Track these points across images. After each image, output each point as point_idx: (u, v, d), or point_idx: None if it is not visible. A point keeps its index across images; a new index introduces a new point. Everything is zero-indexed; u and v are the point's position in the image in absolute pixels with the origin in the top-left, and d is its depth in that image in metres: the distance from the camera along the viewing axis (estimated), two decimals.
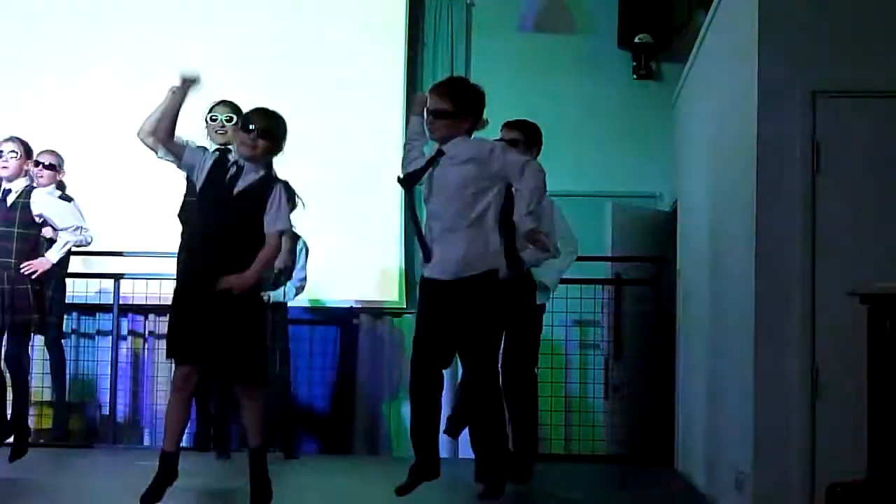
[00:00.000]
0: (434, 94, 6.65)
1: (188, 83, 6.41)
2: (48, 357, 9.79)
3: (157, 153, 6.85)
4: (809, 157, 6.33)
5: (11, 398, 8.11)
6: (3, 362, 8.11)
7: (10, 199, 8.08)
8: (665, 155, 10.95)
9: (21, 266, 7.96)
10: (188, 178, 7.18)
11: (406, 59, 11.19)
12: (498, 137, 7.82)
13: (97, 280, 10.52)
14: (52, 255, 8.23)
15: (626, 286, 10.62)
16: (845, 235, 6.30)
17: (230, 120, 8.26)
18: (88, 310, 11.02)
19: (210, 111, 8.41)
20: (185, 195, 8.35)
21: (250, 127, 6.43)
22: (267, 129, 6.45)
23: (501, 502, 7.04)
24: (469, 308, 6.45)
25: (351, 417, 10.81)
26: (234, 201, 6.39)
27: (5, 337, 8.07)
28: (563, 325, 10.55)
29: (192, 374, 6.41)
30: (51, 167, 9.46)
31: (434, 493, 6.80)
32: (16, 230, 8.01)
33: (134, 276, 10.80)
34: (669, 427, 10.18)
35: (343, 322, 10.88)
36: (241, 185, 6.42)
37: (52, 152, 9.53)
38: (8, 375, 8.06)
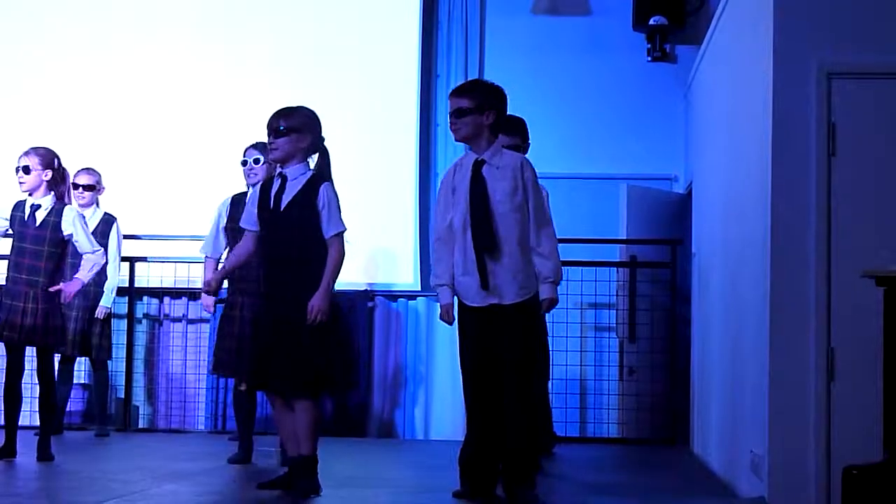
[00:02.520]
0: (453, 96, 6.50)
1: None
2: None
3: None
4: (825, 138, 6.31)
5: (39, 411, 8.14)
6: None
7: (40, 217, 7.94)
8: (680, 137, 10.95)
9: (51, 289, 7.90)
10: None
11: (421, 42, 11.17)
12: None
13: None
14: (84, 276, 8.12)
15: (640, 268, 10.61)
16: (861, 217, 6.28)
17: (257, 162, 8.15)
18: None
19: (243, 154, 8.25)
20: None
21: (269, 135, 6.49)
22: (283, 126, 6.46)
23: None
24: (521, 329, 6.32)
25: (366, 400, 10.81)
26: (283, 215, 6.43)
27: (35, 355, 8.07)
28: (578, 308, 10.56)
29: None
30: (89, 188, 9.62)
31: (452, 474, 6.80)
32: (46, 248, 7.88)
33: (149, 260, 10.84)
34: (685, 409, 10.19)
35: (358, 304, 10.87)
36: (286, 198, 6.45)
37: (89, 171, 9.64)
38: (39, 391, 8.07)
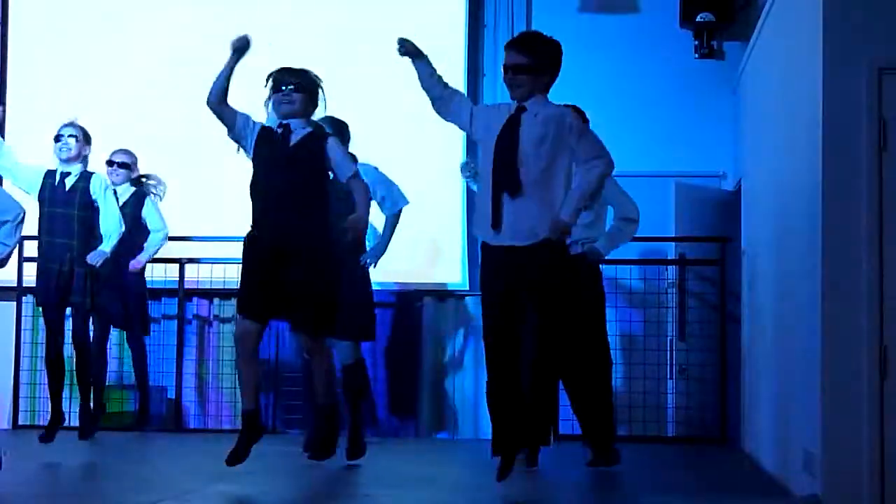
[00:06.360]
0: (512, 49, 6.57)
1: (239, 48, 6.71)
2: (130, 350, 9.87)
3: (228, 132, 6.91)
4: (876, 134, 6.26)
5: (77, 380, 8.25)
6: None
7: (70, 182, 8.32)
8: (728, 134, 10.90)
9: (87, 259, 8.26)
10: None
11: (467, 40, 11.17)
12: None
13: (162, 265, 10.55)
14: (107, 247, 8.42)
15: (690, 266, 10.57)
16: None
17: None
18: (154, 294, 11.07)
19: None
20: None
21: (283, 87, 6.77)
22: (300, 83, 6.79)
23: (566, 479, 7.05)
24: (541, 273, 6.36)
25: (415, 400, 10.83)
26: (292, 154, 6.69)
27: (72, 319, 8.23)
28: (628, 306, 10.53)
29: (252, 329, 6.64)
30: (123, 165, 9.73)
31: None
32: (76, 213, 8.21)
33: (199, 261, 10.89)
34: (736, 407, 10.15)
35: (407, 305, 10.88)
36: (294, 139, 6.74)
37: (126, 151, 9.77)
38: (74, 355, 8.19)
